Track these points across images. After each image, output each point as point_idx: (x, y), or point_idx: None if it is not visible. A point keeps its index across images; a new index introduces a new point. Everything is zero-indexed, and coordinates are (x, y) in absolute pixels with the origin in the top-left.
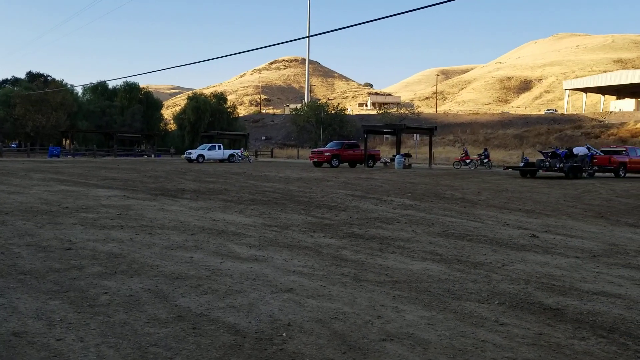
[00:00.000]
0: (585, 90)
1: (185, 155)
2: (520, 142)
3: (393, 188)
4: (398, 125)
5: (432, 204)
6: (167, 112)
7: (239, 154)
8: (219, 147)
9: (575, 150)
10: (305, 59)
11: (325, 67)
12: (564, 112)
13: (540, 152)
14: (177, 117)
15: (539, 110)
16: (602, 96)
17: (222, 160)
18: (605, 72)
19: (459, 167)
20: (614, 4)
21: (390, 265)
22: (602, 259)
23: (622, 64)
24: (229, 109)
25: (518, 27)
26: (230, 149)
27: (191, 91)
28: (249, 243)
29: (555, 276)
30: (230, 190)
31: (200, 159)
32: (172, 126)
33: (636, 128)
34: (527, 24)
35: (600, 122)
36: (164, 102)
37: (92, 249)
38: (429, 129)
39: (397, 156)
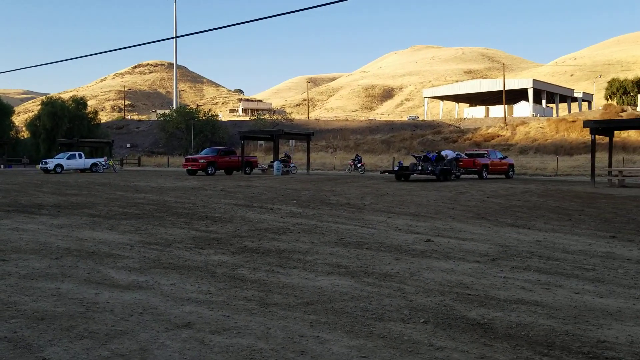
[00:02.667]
0: (441, 98)
1: (40, 165)
2: (388, 147)
3: (277, 195)
4: (276, 130)
5: (320, 211)
6: (19, 119)
7: (103, 163)
8: (80, 156)
9: (444, 153)
10: (172, 64)
11: (193, 72)
12: (424, 119)
13: (413, 155)
14: (31, 124)
15: (401, 117)
16: (456, 104)
17: (83, 170)
18: (457, 81)
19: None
20: (464, 19)
21: (296, 283)
22: (502, 263)
23: (472, 74)
24: (90, 115)
25: (380, 38)
26: (92, 157)
27: (46, 96)
28: (128, 266)
29: (466, 284)
30: (97, 204)
31: (59, 169)
32: (25, 134)
33: (488, 133)
34: (388, 35)
35: (457, 127)
36: (14, 108)
37: None
38: (307, 134)
39: (275, 162)
